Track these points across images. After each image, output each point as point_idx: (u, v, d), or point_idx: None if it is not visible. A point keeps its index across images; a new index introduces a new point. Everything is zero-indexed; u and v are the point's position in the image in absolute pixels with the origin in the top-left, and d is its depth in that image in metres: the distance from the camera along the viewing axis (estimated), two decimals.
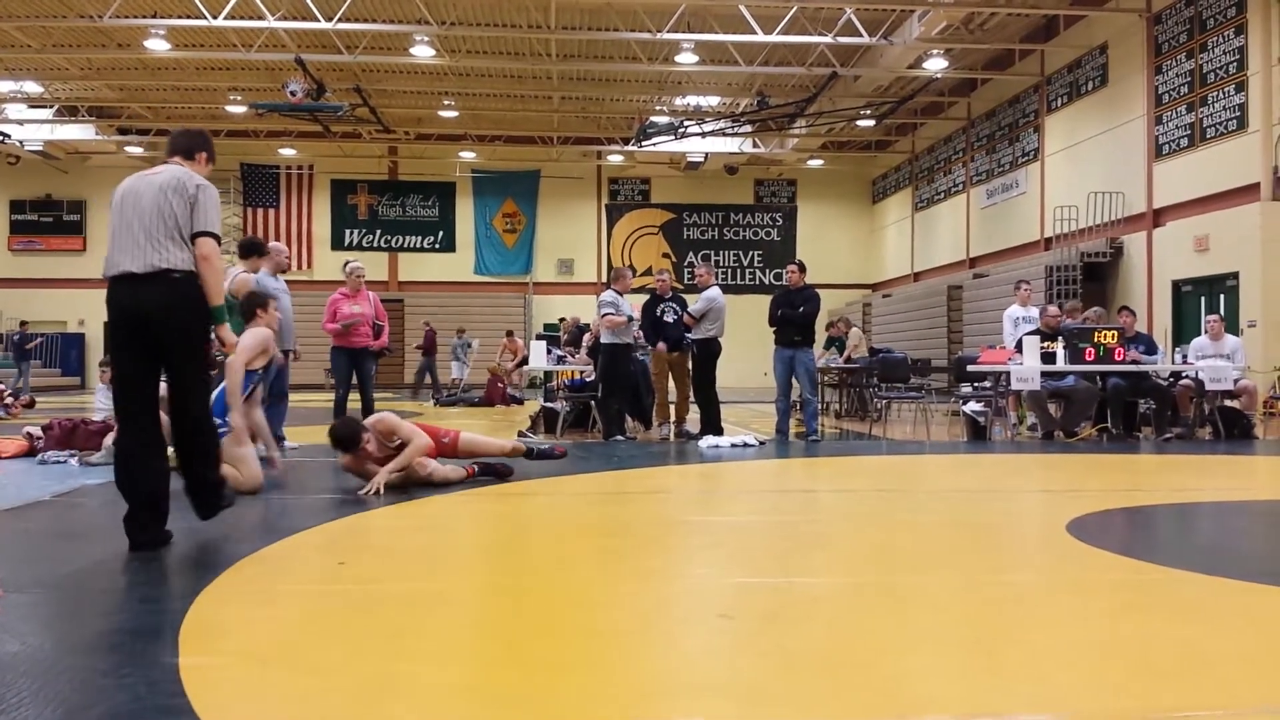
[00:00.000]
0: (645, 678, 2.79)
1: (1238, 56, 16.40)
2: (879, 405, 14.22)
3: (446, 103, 27.04)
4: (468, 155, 31.18)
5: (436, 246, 32.30)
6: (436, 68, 23.43)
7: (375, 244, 32.11)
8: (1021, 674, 2.78)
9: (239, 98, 26.05)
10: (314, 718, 2.46)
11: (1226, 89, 16.64)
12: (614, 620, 3.41)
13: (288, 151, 30.74)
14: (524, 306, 31.26)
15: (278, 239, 30.56)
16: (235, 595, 3.72)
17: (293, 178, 31.69)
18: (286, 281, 9.52)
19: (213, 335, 4.68)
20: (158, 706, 2.50)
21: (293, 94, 21.70)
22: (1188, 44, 17.66)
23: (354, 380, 9.80)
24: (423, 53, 21.56)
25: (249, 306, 7.12)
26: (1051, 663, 2.89)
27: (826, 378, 15.73)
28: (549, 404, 11.95)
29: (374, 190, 32.13)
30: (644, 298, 11.33)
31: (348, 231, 32.05)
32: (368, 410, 9.63)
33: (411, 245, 32.32)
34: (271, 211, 31.73)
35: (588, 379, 11.64)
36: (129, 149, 29.61)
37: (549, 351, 11.93)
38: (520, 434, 11.16)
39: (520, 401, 18.22)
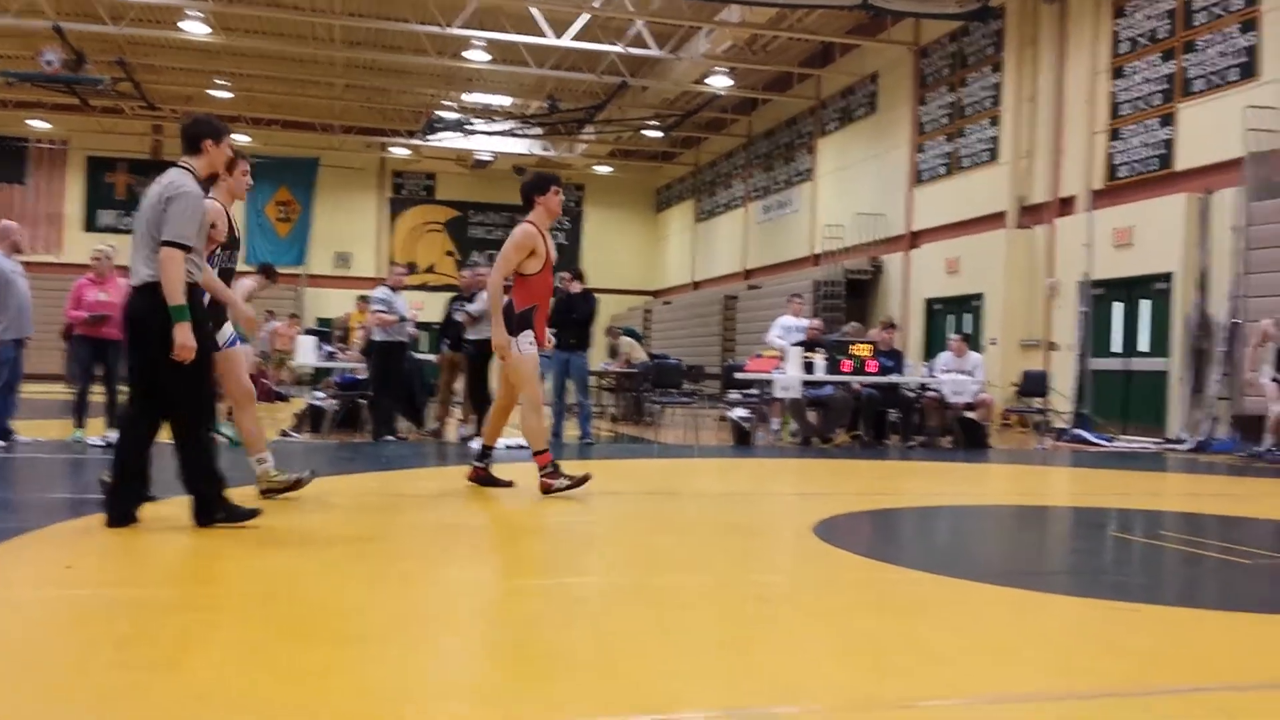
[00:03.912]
0: (396, 682, 2.72)
1: (993, 93, 17.74)
2: (653, 410, 14.52)
3: (219, 82, 25.69)
4: (241, 138, 29.63)
5: None
6: (209, 45, 22.20)
7: (133, 227, 30.03)
8: (761, 670, 2.88)
9: None
10: None
11: (982, 123, 17.97)
12: (368, 625, 3.31)
13: (39, 124, 28.36)
14: (296, 299, 30.05)
15: (23, 218, 28.17)
16: None
17: (44, 152, 29.28)
18: (27, 263, 8.79)
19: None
20: None
21: (48, 64, 20.03)
22: (950, 78, 18.97)
23: (98, 373, 9.11)
24: (195, 29, 20.41)
25: None
26: (790, 658, 3.01)
27: (603, 382, 15.93)
28: (315, 402, 11.53)
29: (135, 170, 30.01)
30: (423, 295, 11.18)
31: (103, 213, 29.86)
32: (112, 408, 9.00)
33: None
34: (17, 188, 29.20)
35: (359, 377, 11.31)
36: None
37: (319, 347, 11.52)
38: (283, 433, 10.73)
39: (285, 398, 17.47)
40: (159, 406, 4.91)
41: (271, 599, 3.63)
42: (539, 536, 5.20)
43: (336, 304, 26.66)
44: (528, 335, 6.39)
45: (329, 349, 11.94)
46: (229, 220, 5.71)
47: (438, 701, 2.57)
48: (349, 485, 6.85)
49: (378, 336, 10.38)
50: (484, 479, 6.71)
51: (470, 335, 10.58)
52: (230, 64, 24.16)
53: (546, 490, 6.34)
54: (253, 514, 4.94)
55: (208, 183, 5.58)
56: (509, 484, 6.69)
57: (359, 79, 25.38)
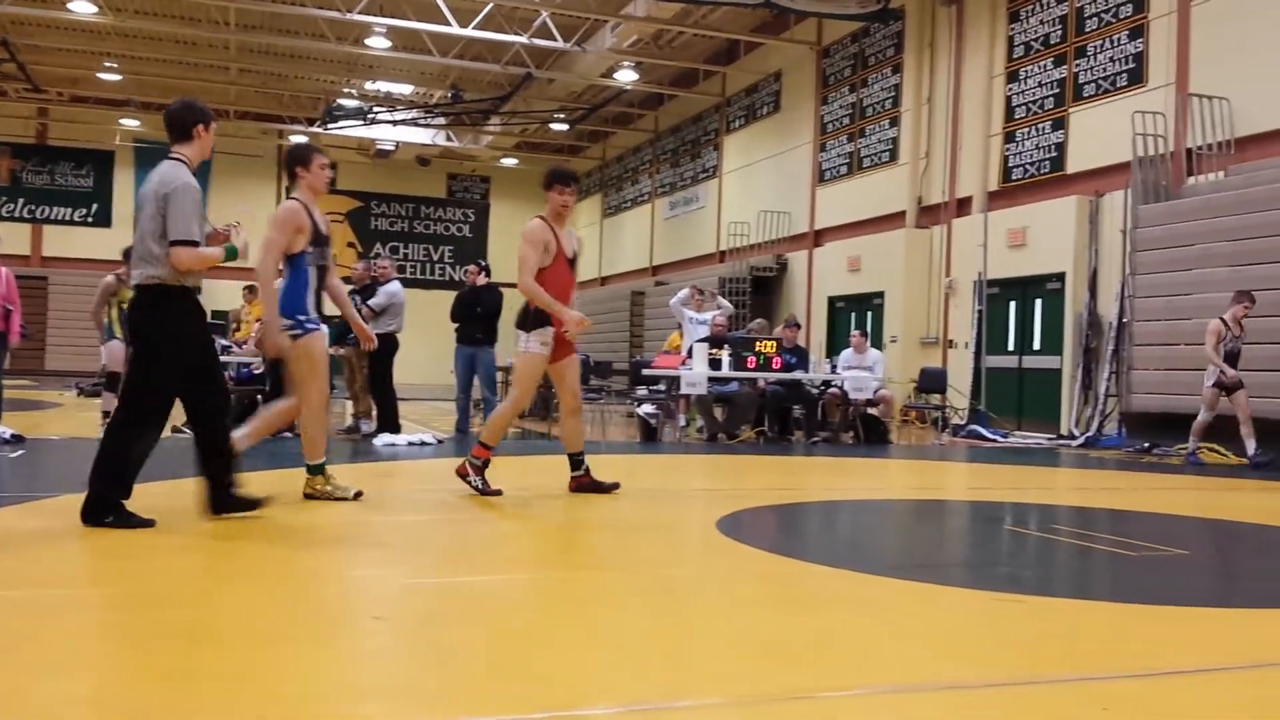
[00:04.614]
0: (298, 684, 2.64)
1: (893, 94, 18.09)
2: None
3: (108, 64, 24.76)
4: (130, 123, 28.69)
5: (89, 220, 29.46)
6: (98, 26, 21.38)
7: (17, 214, 28.82)
8: (664, 664, 2.88)
9: None
10: None
11: (882, 123, 18.32)
12: (263, 626, 3.21)
13: None
14: None
15: None
16: None
17: None
18: None
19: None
20: None
21: None
22: (851, 78, 19.28)
23: None
24: (82, 9, 19.61)
25: None
26: (692, 652, 3.01)
27: (510, 377, 15.79)
28: None
29: (18, 154, 28.81)
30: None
31: None
32: None
33: (60, 217, 29.26)
34: None
35: (256, 371, 11.02)
36: None
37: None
38: (175, 429, 10.39)
39: None
40: (201, 409, 4.97)
41: (167, 600, 3.50)
42: (441, 534, 5.12)
43: (232, 296, 25.93)
44: (542, 333, 6.27)
45: (224, 342, 11.59)
46: (312, 217, 5.67)
47: (343, 703, 2.50)
48: (246, 484, 6.64)
49: None
50: (586, 486, 6.53)
51: (372, 329, 10.39)
52: (119, 45, 23.31)
53: (461, 475, 6.26)
54: (147, 524, 4.71)
55: (290, 184, 5.79)
56: (615, 486, 6.51)
57: (254, 64, 24.73)
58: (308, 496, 5.76)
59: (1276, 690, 2.83)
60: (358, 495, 5.83)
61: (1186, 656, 3.16)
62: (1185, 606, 3.88)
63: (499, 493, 6.22)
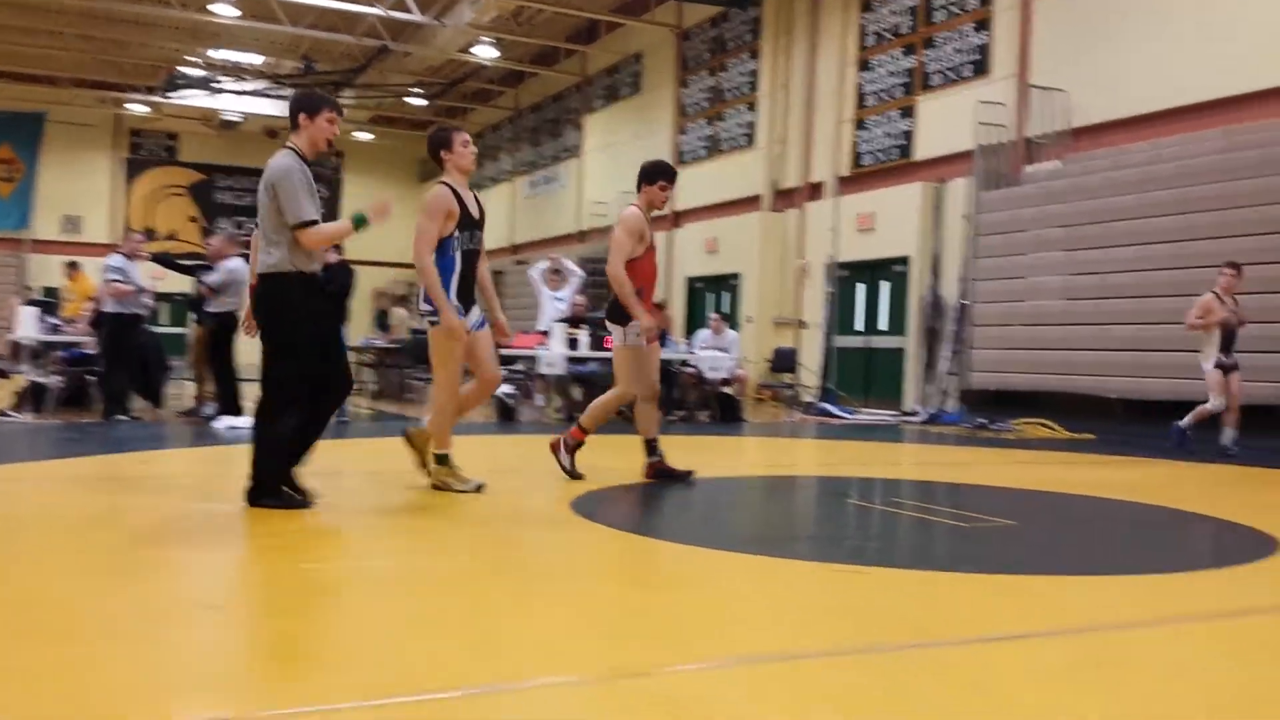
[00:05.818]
0: (123, 679, 2.50)
1: (751, 79, 18.34)
2: (415, 386, 14.21)
3: None
4: None
5: None
6: None
7: None
8: (511, 646, 2.85)
9: None
10: None
11: (740, 108, 18.56)
12: (89, 620, 3.04)
13: None
14: (19, 266, 27.49)
15: None
16: None
17: None
18: None
19: None
20: None
21: None
22: (710, 62, 19.47)
23: None
24: None
25: None
26: (539, 633, 3.00)
27: (363, 357, 15.47)
28: (38, 378, 10.58)
29: None
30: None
31: None
32: None
33: None
34: None
35: (87, 351, 10.47)
36: None
37: (42, 319, 10.57)
38: (0, 413, 9.81)
39: (4, 375, 15.93)
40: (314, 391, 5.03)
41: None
42: (282, 521, 4.96)
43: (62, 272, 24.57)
44: (637, 325, 6.13)
45: (54, 321, 10.99)
46: (460, 200, 5.48)
47: (172, 697, 2.39)
48: (72, 468, 6.32)
49: (110, 308, 9.63)
50: (662, 472, 6.44)
51: (211, 308, 9.98)
52: None
53: (554, 450, 6.36)
54: (304, 504, 4.99)
55: (437, 168, 5.69)
56: (689, 474, 6.44)
57: (91, 29, 23.38)
58: (436, 488, 5.68)
59: (1089, 652, 2.99)
60: (479, 488, 5.67)
61: (1011, 622, 3.32)
62: (1012, 574, 4.07)
63: (581, 477, 6.26)
